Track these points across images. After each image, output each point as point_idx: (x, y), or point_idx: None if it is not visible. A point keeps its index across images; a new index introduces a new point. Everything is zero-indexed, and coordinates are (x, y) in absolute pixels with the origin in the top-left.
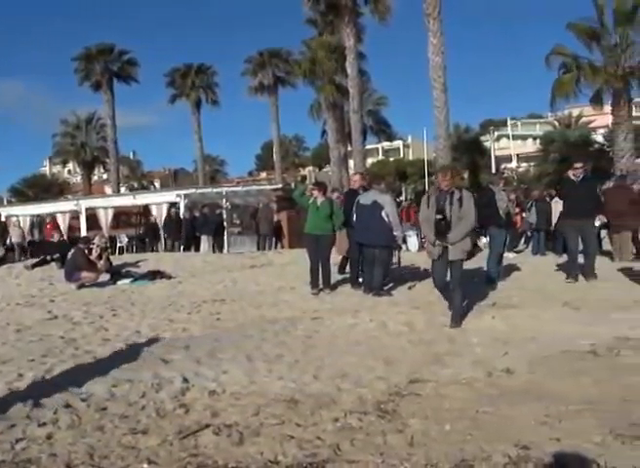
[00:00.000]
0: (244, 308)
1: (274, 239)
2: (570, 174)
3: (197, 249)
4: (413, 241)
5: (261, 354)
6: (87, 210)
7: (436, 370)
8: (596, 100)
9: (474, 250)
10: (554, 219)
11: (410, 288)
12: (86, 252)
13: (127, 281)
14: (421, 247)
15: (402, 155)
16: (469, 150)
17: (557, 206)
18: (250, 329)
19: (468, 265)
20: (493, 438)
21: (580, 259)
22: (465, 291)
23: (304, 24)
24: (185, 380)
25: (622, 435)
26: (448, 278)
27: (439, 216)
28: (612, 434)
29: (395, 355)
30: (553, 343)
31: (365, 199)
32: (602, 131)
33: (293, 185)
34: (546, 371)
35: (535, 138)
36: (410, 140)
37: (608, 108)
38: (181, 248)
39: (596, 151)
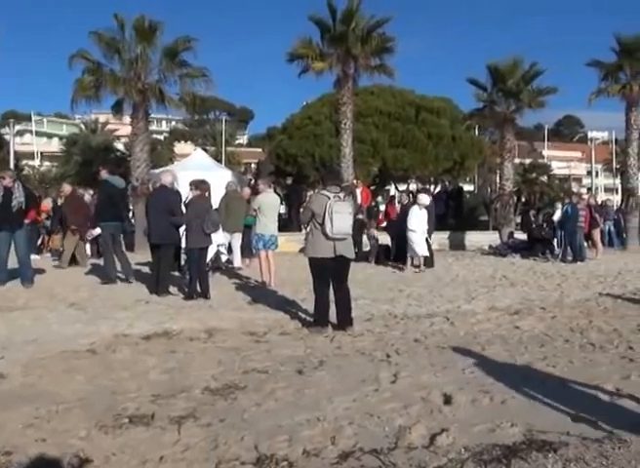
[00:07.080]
0: None
1: None
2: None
3: None
4: None
5: None
6: None
7: None
8: (117, 109)
9: None
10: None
11: None
12: None
13: None
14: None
15: None
16: None
17: None
18: None
19: None
20: None
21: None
22: None
23: None
24: None
25: (107, 426)
26: None
27: None
28: (97, 426)
29: None
30: (54, 344)
31: None
32: (125, 139)
33: None
34: (42, 373)
35: (61, 138)
36: None
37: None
38: None
39: (117, 158)
